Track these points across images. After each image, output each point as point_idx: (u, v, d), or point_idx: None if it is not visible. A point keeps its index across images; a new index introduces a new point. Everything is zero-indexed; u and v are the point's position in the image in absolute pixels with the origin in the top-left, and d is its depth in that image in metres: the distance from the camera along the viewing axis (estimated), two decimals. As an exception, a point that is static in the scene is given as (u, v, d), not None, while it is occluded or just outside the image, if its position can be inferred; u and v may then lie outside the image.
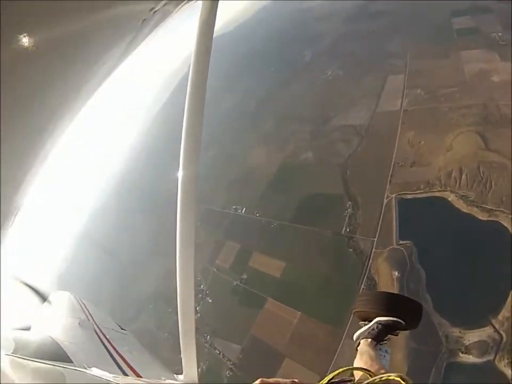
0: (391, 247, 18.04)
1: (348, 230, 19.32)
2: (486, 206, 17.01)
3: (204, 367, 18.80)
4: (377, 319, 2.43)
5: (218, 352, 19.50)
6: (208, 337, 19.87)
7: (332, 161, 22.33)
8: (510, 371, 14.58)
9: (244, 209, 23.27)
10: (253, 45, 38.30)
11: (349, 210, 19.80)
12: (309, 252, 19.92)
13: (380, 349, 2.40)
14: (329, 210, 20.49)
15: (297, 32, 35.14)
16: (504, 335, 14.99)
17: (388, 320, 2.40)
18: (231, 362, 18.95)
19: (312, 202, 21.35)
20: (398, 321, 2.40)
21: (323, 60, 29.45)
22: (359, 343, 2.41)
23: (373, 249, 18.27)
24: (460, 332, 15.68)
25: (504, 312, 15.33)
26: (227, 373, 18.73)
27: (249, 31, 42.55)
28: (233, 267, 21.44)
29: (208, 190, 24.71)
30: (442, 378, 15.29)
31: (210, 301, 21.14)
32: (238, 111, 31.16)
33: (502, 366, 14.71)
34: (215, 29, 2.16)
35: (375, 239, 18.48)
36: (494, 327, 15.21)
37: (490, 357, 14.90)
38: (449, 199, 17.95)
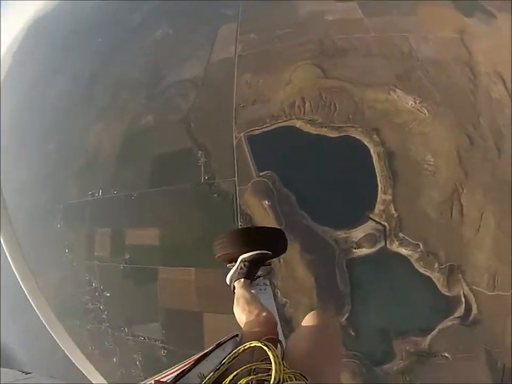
0: (252, 180, 18.47)
1: (207, 177, 19.18)
2: (335, 125, 18.74)
3: (140, 359, 18.95)
4: (240, 257, 2.34)
5: (143, 338, 19.24)
6: (126, 329, 19.55)
7: (173, 118, 21.52)
8: (403, 250, 16.94)
9: (101, 191, 21.75)
10: (79, 18, 33.31)
11: (201, 159, 19.53)
12: (177, 210, 19.56)
13: (258, 284, 2.38)
14: (182, 166, 20.05)
15: None
16: (386, 224, 17.28)
17: (251, 255, 2.31)
18: (159, 342, 18.81)
19: (164, 163, 20.60)
20: (262, 253, 2.34)
21: (152, 21, 27.81)
22: (234, 288, 2.32)
23: (237, 188, 18.50)
24: (345, 233, 17.39)
25: (379, 206, 17.45)
26: (162, 352, 18.60)
27: (72, 5, 36.76)
28: (113, 252, 20.50)
29: (58, 185, 23.47)
30: (348, 274, 17.01)
31: (108, 294, 20.36)
32: (70, 92, 27.76)
33: (395, 247, 17.12)
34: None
35: (235, 178, 18.69)
36: (374, 220, 17.32)
37: (382, 244, 17.12)
38: (297, 126, 19.19)
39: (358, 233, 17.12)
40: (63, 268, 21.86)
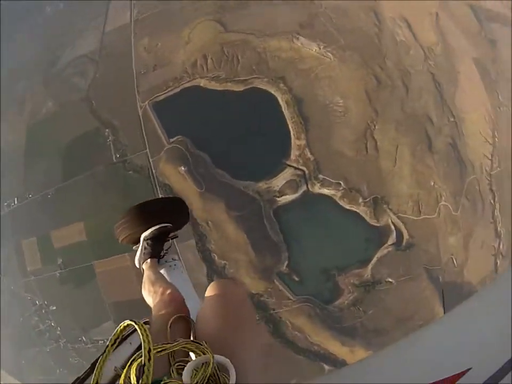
0: (166, 147, 17.79)
1: (118, 155, 18.23)
2: (239, 78, 18.29)
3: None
4: (142, 236, 2.27)
5: (102, 341, 18.72)
6: (83, 337, 18.86)
7: (73, 99, 19.96)
8: (326, 190, 17.25)
9: (16, 199, 19.97)
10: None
11: (109, 137, 18.48)
12: (96, 197, 18.62)
13: (166, 261, 2.29)
14: (92, 148, 18.93)
15: None
16: (304, 168, 17.49)
17: (152, 231, 2.24)
18: None
19: (73, 150, 19.22)
20: (163, 227, 2.26)
21: None
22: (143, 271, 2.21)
23: (150, 160, 17.73)
24: (265, 183, 17.39)
25: (295, 152, 17.46)
26: (126, 348, 17.02)
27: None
28: (45, 261, 19.28)
29: None
30: (277, 224, 17.23)
31: (54, 308, 19.23)
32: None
33: (317, 189, 17.53)
34: None
35: (147, 150, 17.82)
36: (292, 166, 17.43)
37: (304, 189, 17.43)
38: (202, 84, 18.49)
39: (278, 181, 17.11)
40: (3, 297, 19.93)
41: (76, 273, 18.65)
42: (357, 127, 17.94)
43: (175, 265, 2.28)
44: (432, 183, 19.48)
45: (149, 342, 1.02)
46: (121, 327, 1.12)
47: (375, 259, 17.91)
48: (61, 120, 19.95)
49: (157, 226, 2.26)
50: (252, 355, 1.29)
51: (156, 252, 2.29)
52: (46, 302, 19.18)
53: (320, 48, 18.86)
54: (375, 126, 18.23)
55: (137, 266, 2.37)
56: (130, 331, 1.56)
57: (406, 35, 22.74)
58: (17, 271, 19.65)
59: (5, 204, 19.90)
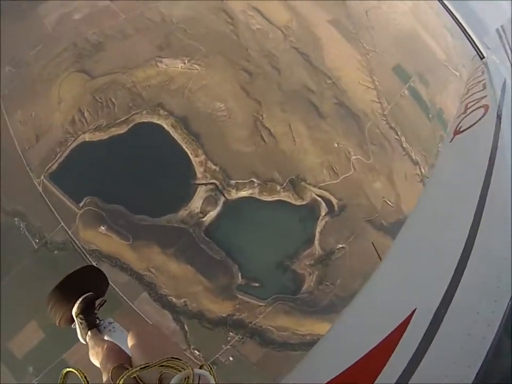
0: (79, 214, 17.27)
1: (37, 240, 17.28)
2: (120, 120, 18.32)
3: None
4: (73, 313, 2.35)
5: None
6: None
7: None
8: (243, 192, 18.15)
9: None
10: None
11: (21, 225, 17.33)
12: (34, 290, 16.26)
13: (105, 328, 2.31)
14: (9, 244, 17.19)
15: None
16: (214, 181, 18.14)
17: (77, 306, 2.32)
18: None
19: None
20: (86, 297, 2.34)
21: None
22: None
23: (69, 232, 17.13)
24: (185, 210, 17.61)
25: (199, 169, 18.05)
26: None
27: None
28: (18, 377, 17.23)
29: None
30: (214, 243, 17.48)
31: None
32: None
33: (235, 194, 18.16)
34: None
35: (61, 224, 17.13)
36: (203, 184, 17.97)
37: (223, 199, 17.94)
38: (87, 139, 18.26)
39: (196, 203, 17.56)
40: None
41: (52, 375, 16.90)
42: (246, 123, 18.97)
43: (113, 327, 2.35)
44: (336, 144, 21.41)
45: None
46: (63, 373, 1.23)
47: (317, 234, 19.09)
48: None
49: (80, 299, 2.35)
50: None
51: (91, 323, 2.35)
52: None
53: (185, 63, 19.45)
54: (262, 116, 19.44)
55: (84, 343, 2.42)
56: None
57: (260, 22, 24.43)
58: None
59: None
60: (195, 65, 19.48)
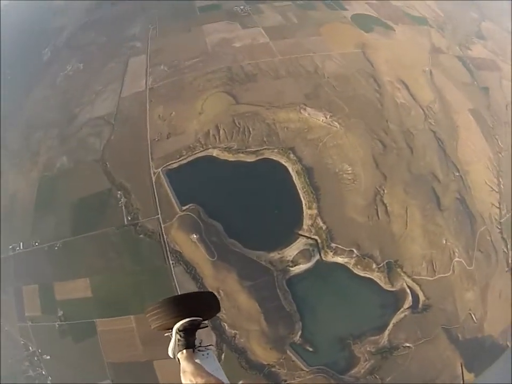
0: (177, 215, 18.52)
1: (130, 218, 19.02)
2: (251, 149, 19.68)
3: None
4: (175, 327, 2.42)
5: None
6: None
7: (88, 159, 21.34)
8: (339, 258, 17.92)
9: (22, 244, 20.83)
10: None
11: (122, 200, 19.43)
12: (105, 256, 19.12)
13: (200, 351, 2.39)
14: (104, 208, 19.79)
15: (35, 30, 32.51)
16: (316, 237, 18.26)
17: (184, 323, 2.40)
18: None
19: (84, 208, 20.23)
20: (195, 321, 2.41)
21: (62, 56, 27.90)
22: (179, 360, 2.35)
23: (162, 225, 18.45)
24: (279, 254, 18.01)
25: (307, 221, 18.31)
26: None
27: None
28: (45, 310, 19.61)
29: None
30: (290, 293, 17.56)
31: (48, 357, 19.25)
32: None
33: (330, 258, 18.10)
34: None
35: (159, 215, 18.61)
36: (304, 236, 18.20)
37: (317, 258, 18.03)
38: (214, 154, 19.79)
39: (291, 251, 17.70)
40: None
41: (76, 328, 18.97)
42: (367, 192, 18.95)
43: (207, 353, 2.43)
44: (444, 241, 20.14)
45: None
46: None
47: (391, 324, 18.04)
48: (74, 176, 21.28)
49: (188, 320, 2.42)
50: None
51: (191, 343, 2.44)
52: (40, 350, 19.39)
53: (326, 118, 20.48)
54: (384, 191, 19.26)
55: (171, 356, 2.50)
56: None
57: (405, 97, 24.75)
58: (14, 314, 20.05)
59: (10, 247, 20.80)
60: (335, 123, 20.37)
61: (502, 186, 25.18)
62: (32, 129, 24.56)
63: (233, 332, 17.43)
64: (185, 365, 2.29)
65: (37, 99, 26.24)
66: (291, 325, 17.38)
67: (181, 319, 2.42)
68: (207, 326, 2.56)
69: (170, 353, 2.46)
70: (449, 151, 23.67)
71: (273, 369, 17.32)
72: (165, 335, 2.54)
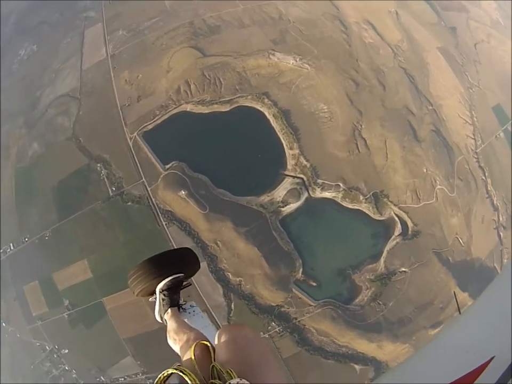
0: (162, 175, 19.06)
1: (114, 189, 19.36)
2: (225, 99, 20.26)
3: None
4: (157, 288, 2.44)
5: (123, 378, 19.18)
6: (102, 377, 19.30)
7: (59, 139, 21.32)
8: (327, 193, 19.04)
9: (12, 244, 20.98)
10: None
11: (102, 172, 19.71)
12: (97, 233, 19.50)
13: (184, 310, 2.48)
14: (86, 185, 20.04)
15: None
16: (302, 176, 19.26)
17: (166, 282, 2.42)
18: (141, 374, 18.94)
19: (66, 189, 20.37)
20: (176, 277, 2.43)
21: (13, 42, 27.00)
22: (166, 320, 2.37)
23: (148, 188, 18.91)
24: (267, 196, 18.98)
25: (290, 162, 19.29)
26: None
27: None
28: (51, 304, 20.01)
29: None
30: (286, 233, 18.62)
31: (66, 351, 19.70)
32: None
33: (319, 193, 19.20)
34: None
35: (143, 179, 19.06)
36: (290, 175, 19.18)
37: (306, 195, 19.10)
38: (188, 109, 20.34)
39: (280, 192, 18.74)
40: (9, 346, 20.54)
41: (86, 313, 19.43)
42: (345, 128, 20.11)
43: (194, 311, 2.47)
44: (425, 170, 21.77)
45: None
46: (164, 374, 1.14)
47: (385, 252, 19.58)
48: (49, 160, 21.16)
49: (170, 278, 2.40)
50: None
51: (175, 301, 2.47)
52: (56, 346, 19.77)
53: (296, 61, 21.28)
54: (361, 126, 20.48)
55: (159, 320, 2.52)
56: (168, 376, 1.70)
57: (372, 36, 25.86)
58: (22, 318, 20.26)
59: (1, 251, 20.74)
60: (306, 65, 21.22)
61: (475, 119, 27.04)
62: None
63: (237, 279, 18.43)
64: (169, 324, 2.33)
65: None
66: (291, 263, 18.58)
67: (162, 279, 2.42)
68: (190, 285, 2.63)
69: (157, 317, 2.50)
70: (421, 87, 25.12)
71: (282, 309, 18.53)
72: (150, 300, 2.55)
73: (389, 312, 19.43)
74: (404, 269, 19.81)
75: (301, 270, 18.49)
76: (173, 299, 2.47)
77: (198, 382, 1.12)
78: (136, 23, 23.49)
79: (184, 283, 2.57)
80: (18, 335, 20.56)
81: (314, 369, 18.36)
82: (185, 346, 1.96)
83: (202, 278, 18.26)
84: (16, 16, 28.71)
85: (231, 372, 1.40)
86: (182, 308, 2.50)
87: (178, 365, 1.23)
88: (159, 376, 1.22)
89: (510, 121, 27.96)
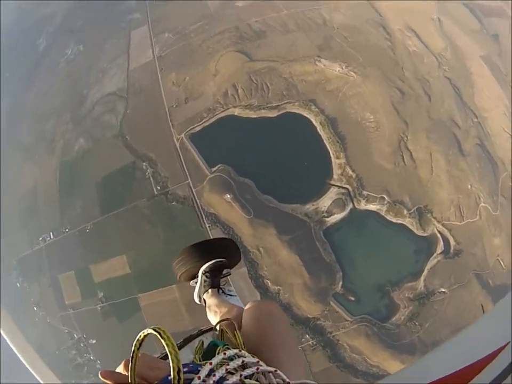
0: (208, 178, 19.52)
1: (159, 188, 19.79)
2: (272, 104, 20.65)
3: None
4: (201, 270, 2.58)
5: None
6: None
7: (106, 136, 21.97)
8: (371, 206, 19.20)
9: (51, 233, 21.55)
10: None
11: (148, 170, 20.15)
12: (139, 229, 19.88)
13: (223, 293, 2.59)
14: (130, 182, 20.52)
15: (25, 23, 31.89)
16: (348, 186, 19.40)
17: (209, 265, 2.56)
18: None
19: (111, 185, 20.90)
20: (219, 261, 2.59)
21: (59, 41, 28.00)
22: (205, 301, 2.54)
23: (193, 190, 19.35)
24: (313, 205, 19.15)
25: (336, 171, 19.52)
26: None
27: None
28: (85, 295, 20.46)
29: (5, 239, 22.11)
30: (329, 244, 18.68)
31: (94, 341, 20.18)
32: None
33: (363, 205, 19.31)
34: None
35: (189, 180, 19.53)
36: (336, 185, 19.38)
37: (350, 206, 19.20)
38: (236, 113, 20.72)
39: (325, 201, 18.91)
40: (38, 328, 20.87)
41: (119, 307, 19.73)
42: (391, 139, 20.15)
43: (231, 295, 2.60)
44: (469, 186, 21.53)
45: (178, 361, 0.99)
46: (142, 336, 1.10)
47: (426, 270, 19.40)
48: (95, 156, 21.88)
49: (214, 260, 2.54)
50: (290, 368, 1.44)
51: (216, 283, 2.58)
52: (85, 336, 20.16)
53: (342, 68, 21.45)
54: (407, 137, 20.48)
55: (197, 301, 2.64)
56: (206, 329, 1.85)
57: (416, 44, 25.77)
58: (55, 304, 20.76)
59: (40, 238, 21.47)
60: (352, 72, 21.36)
61: (520, 134, 26.53)
62: (42, 119, 25.00)
63: (276, 288, 18.52)
64: (210, 301, 2.46)
65: (41, 89, 26.59)
66: (332, 275, 18.58)
67: (205, 262, 2.56)
68: (230, 274, 2.76)
69: (196, 298, 2.63)
70: (466, 98, 24.85)
71: (318, 322, 18.45)
72: (190, 284, 2.71)
73: (425, 334, 19.10)
74: (443, 290, 19.55)
75: (340, 283, 18.48)
76: (214, 281, 2.59)
77: (176, 349, 1.02)
78: (181, 26, 24.11)
79: (224, 272, 2.69)
80: (48, 320, 21.13)
81: (342, 387, 18.24)
82: (226, 315, 2.10)
83: (241, 284, 18.54)
84: (61, 17, 29.73)
85: (239, 338, 1.49)
86: (222, 290, 2.63)
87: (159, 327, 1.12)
88: (137, 337, 1.13)
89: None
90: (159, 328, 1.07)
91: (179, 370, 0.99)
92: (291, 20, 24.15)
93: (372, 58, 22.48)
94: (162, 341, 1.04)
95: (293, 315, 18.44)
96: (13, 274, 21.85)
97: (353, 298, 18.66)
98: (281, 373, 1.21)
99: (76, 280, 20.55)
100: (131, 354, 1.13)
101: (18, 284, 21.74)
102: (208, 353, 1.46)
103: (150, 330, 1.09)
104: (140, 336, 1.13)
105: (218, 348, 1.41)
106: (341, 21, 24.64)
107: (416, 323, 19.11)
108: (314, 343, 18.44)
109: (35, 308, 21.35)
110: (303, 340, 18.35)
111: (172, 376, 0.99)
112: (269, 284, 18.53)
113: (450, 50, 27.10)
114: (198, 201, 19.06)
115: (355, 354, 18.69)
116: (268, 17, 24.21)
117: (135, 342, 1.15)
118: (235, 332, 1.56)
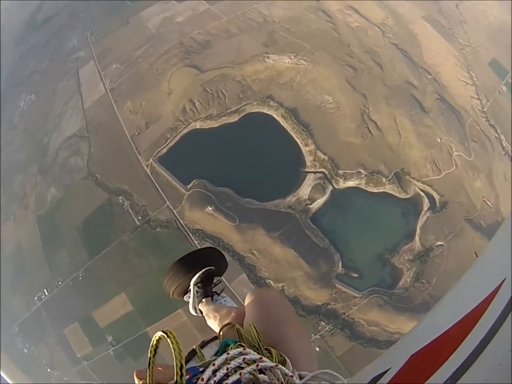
0: (185, 196, 19.78)
1: (140, 217, 19.97)
2: (231, 109, 21.13)
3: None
4: (192, 282, 2.64)
5: None
6: None
7: (76, 179, 22.07)
8: (350, 182, 19.63)
9: (46, 290, 21.47)
10: None
11: (125, 203, 20.31)
12: (130, 264, 19.95)
13: (217, 300, 2.65)
14: (111, 219, 20.58)
15: None
16: (323, 170, 19.94)
17: (199, 275, 2.63)
18: None
19: (92, 227, 20.94)
20: (208, 269, 2.66)
21: (10, 95, 28.00)
22: (202, 312, 2.58)
23: (174, 211, 19.58)
24: (294, 196, 19.55)
25: (308, 158, 19.93)
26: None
27: None
28: (94, 343, 20.32)
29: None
30: (319, 230, 19.10)
31: None
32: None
33: (342, 184, 19.81)
34: None
35: (168, 203, 19.75)
36: (311, 172, 19.79)
37: (330, 188, 19.67)
38: (198, 127, 21.14)
39: (305, 190, 19.38)
40: None
41: (131, 346, 19.57)
42: (354, 115, 20.85)
43: (225, 300, 2.65)
44: (439, 139, 22.40)
45: (181, 357, 1.05)
46: (154, 341, 1.15)
47: (418, 229, 20.03)
48: (70, 202, 21.91)
49: (203, 270, 2.61)
50: (299, 347, 1.53)
51: (207, 292, 2.64)
52: (106, 383, 19.78)
53: (291, 59, 22.13)
54: (368, 109, 21.21)
55: (193, 313, 2.66)
56: (210, 338, 1.91)
57: (357, 20, 26.74)
58: (67, 360, 20.53)
59: (35, 298, 21.24)
60: (301, 61, 22.06)
61: (475, 79, 27.71)
62: (9, 176, 25.08)
63: (280, 285, 18.76)
64: (206, 309, 2.50)
65: (2, 147, 26.62)
66: (330, 258, 18.97)
67: (194, 274, 2.63)
68: (220, 282, 2.82)
69: (191, 310, 2.66)
70: (416, 59, 25.88)
71: (329, 306, 18.78)
72: (185, 299, 2.75)
73: (434, 289, 19.60)
74: (439, 243, 20.16)
75: (340, 263, 18.88)
76: (207, 290, 2.66)
77: (180, 347, 1.10)
78: (127, 54, 24.51)
79: (215, 280, 2.77)
80: (65, 378, 20.88)
81: (368, 363, 18.34)
82: (226, 316, 2.16)
83: (244, 290, 18.59)
84: (7, 71, 29.97)
85: (254, 331, 1.54)
86: (215, 299, 2.70)
87: (167, 329, 1.19)
88: (151, 343, 1.19)
89: (509, 73, 28.54)
90: (166, 330, 1.15)
91: (181, 366, 1.05)
92: (232, 24, 24.80)
93: (318, 43, 23.25)
94: (167, 339, 1.12)
95: (303, 307, 18.68)
96: (18, 342, 21.58)
97: (356, 275, 19.06)
98: (284, 368, 1.29)
99: (82, 331, 20.45)
100: (148, 361, 1.19)
101: (25, 350, 21.47)
102: (222, 353, 1.50)
103: (160, 333, 1.15)
104: (153, 342, 1.18)
105: (230, 346, 1.46)
106: (281, 14, 25.42)
107: (423, 281, 19.64)
108: (331, 327, 18.76)
109: (49, 370, 21.11)
110: (319, 327, 18.65)
111: (174, 371, 1.05)
112: (272, 283, 18.78)
113: (392, 18, 28.18)
114: (181, 221, 19.26)
115: (373, 327, 19.07)
116: (210, 27, 24.81)
117: (150, 349, 1.18)
118: (249, 326, 1.60)
